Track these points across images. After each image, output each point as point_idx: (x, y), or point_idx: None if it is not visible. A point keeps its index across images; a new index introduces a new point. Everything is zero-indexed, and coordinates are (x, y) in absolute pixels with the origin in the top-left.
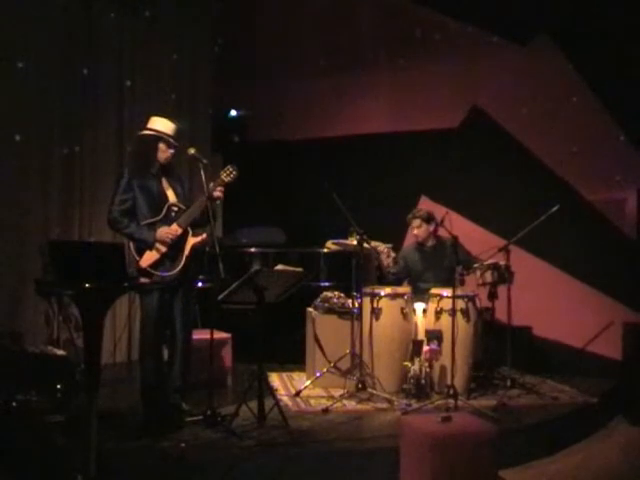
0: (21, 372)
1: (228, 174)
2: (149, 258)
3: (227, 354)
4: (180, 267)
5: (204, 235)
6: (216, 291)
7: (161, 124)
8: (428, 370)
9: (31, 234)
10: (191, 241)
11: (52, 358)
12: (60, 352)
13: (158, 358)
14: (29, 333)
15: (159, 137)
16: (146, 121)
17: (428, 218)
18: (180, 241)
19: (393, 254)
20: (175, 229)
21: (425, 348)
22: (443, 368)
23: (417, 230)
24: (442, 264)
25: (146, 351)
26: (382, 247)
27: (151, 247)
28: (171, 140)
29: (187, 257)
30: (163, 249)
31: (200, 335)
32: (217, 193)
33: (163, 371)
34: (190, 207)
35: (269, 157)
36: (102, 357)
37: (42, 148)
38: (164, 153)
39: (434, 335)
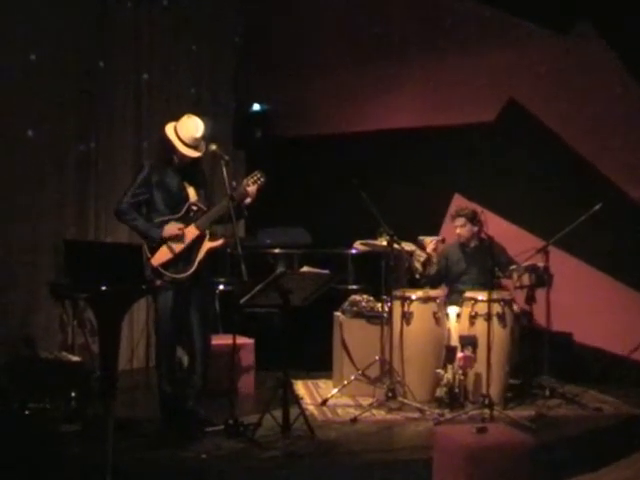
0: (34, 379)
1: (255, 181)
2: (161, 257)
3: (250, 360)
4: (192, 271)
5: (221, 240)
6: (238, 294)
7: (183, 129)
8: (462, 378)
9: (45, 234)
10: (207, 245)
11: (66, 364)
12: (75, 358)
13: (173, 362)
14: (42, 338)
15: (174, 146)
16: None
17: (473, 217)
18: (196, 244)
19: (434, 255)
20: (192, 231)
21: (459, 355)
22: (478, 376)
23: (460, 229)
24: (483, 266)
25: (160, 355)
26: (428, 240)
27: (159, 244)
28: (183, 151)
29: (200, 261)
30: (176, 249)
31: (221, 340)
32: (249, 200)
33: (179, 376)
34: (211, 209)
35: (294, 153)
36: (119, 363)
37: (56, 145)
38: (177, 157)
39: (468, 341)
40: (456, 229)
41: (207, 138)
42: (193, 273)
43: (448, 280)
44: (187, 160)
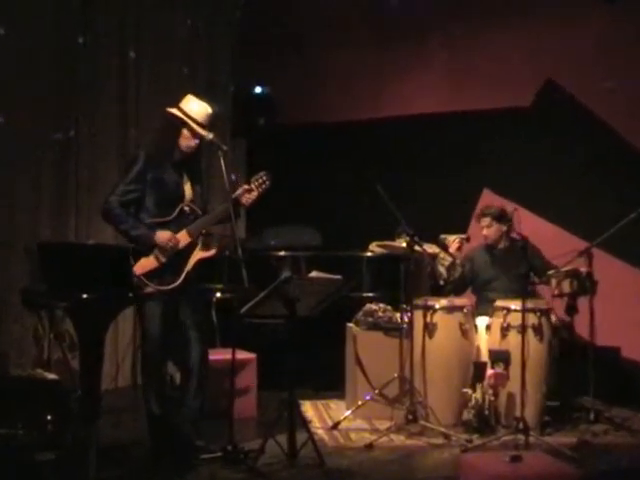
0: (4, 400)
1: (260, 184)
2: (146, 265)
3: (251, 378)
4: (178, 283)
5: (213, 250)
6: (238, 303)
7: (192, 106)
8: (492, 399)
9: (17, 234)
10: (197, 255)
11: (41, 383)
12: (51, 376)
13: (162, 380)
14: (14, 353)
15: (185, 122)
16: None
17: (500, 216)
18: (185, 251)
19: (459, 256)
20: (183, 237)
21: (489, 372)
22: (511, 396)
23: (487, 230)
24: (515, 271)
25: (148, 373)
26: (452, 238)
27: (147, 251)
28: (197, 129)
29: (188, 272)
30: (162, 259)
31: (219, 355)
32: (247, 200)
33: (170, 396)
34: (207, 214)
35: (301, 143)
36: (102, 382)
37: (30, 133)
38: (186, 141)
39: (500, 356)
40: (482, 230)
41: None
42: (180, 285)
43: (475, 287)
44: (192, 149)
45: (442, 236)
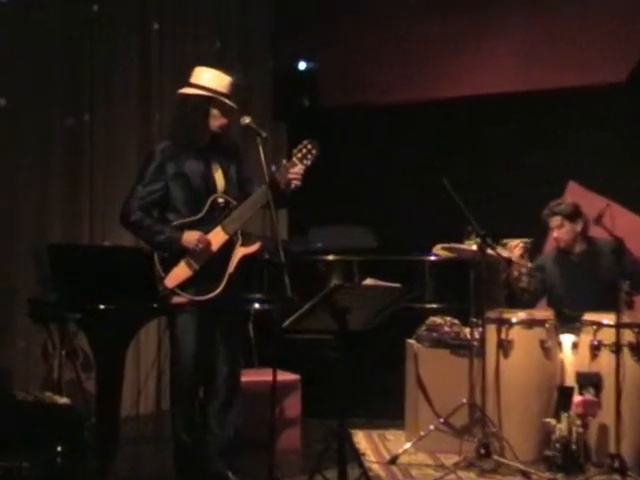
0: (7, 428)
1: (304, 155)
2: (178, 275)
3: (295, 403)
4: (220, 289)
5: (258, 244)
6: (280, 316)
7: (212, 78)
8: (581, 431)
9: (23, 235)
10: (239, 253)
11: (51, 408)
12: (62, 400)
13: (193, 406)
14: (19, 373)
15: (210, 98)
16: (186, 75)
17: (573, 214)
18: (223, 252)
19: (527, 263)
20: (217, 236)
21: (576, 399)
22: (603, 428)
23: (557, 231)
24: (596, 278)
25: (178, 399)
26: (513, 243)
27: (177, 257)
28: (227, 102)
29: (231, 275)
30: (196, 265)
31: (257, 376)
32: (292, 175)
33: (201, 426)
34: (243, 203)
35: (352, 128)
36: (122, 407)
37: (37, 117)
38: (218, 120)
39: (589, 380)
40: (552, 232)
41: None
42: (222, 292)
43: (549, 300)
44: (226, 129)
45: (503, 241)
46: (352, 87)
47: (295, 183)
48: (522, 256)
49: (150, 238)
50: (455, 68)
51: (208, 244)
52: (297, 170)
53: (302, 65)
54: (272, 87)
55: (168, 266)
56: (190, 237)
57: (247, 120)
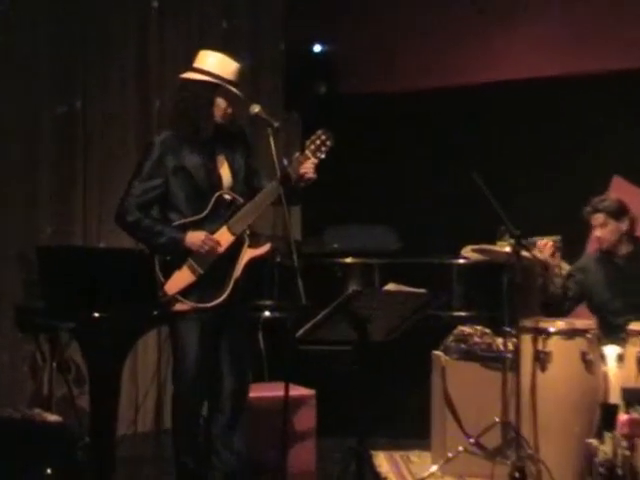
0: None
1: (318, 146)
2: (180, 280)
3: (309, 421)
4: (225, 295)
5: (267, 245)
6: (293, 324)
7: (218, 63)
8: (627, 453)
9: (7, 238)
10: (247, 255)
11: (40, 427)
12: (53, 417)
13: (197, 425)
14: (5, 388)
15: (215, 85)
16: (189, 58)
17: (618, 212)
18: (229, 254)
19: (562, 263)
20: (223, 237)
21: (622, 417)
22: None
23: (600, 231)
24: None
25: (180, 417)
26: (543, 241)
27: (179, 261)
28: (234, 90)
29: (237, 280)
30: (200, 269)
31: (268, 391)
32: (305, 170)
33: (206, 446)
34: (251, 200)
35: (373, 118)
36: (118, 425)
37: (22, 105)
38: (222, 110)
39: (637, 397)
40: (594, 230)
41: (245, 94)
42: (227, 298)
43: (590, 307)
44: (230, 119)
45: (531, 239)
46: (373, 72)
47: (308, 177)
48: (553, 255)
49: (150, 240)
50: (487, 51)
51: (215, 245)
52: (310, 163)
53: (317, 48)
54: (284, 72)
55: (169, 270)
56: (194, 238)
57: (256, 109)
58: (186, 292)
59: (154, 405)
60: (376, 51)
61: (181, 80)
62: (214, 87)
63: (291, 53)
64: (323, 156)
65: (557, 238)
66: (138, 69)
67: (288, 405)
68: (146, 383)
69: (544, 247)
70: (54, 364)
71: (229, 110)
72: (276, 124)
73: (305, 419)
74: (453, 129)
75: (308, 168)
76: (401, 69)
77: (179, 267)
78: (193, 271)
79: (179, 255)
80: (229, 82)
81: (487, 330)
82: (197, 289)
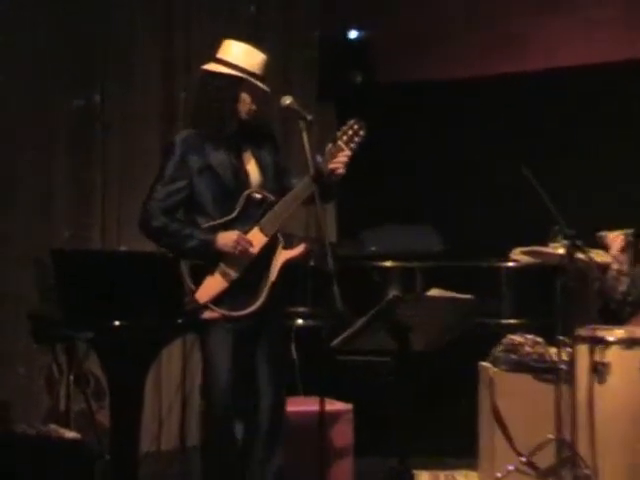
0: (5, 469)
1: (350, 137)
2: (211, 287)
3: (347, 437)
4: (260, 302)
5: (302, 246)
6: (328, 333)
7: (243, 55)
8: None
9: (22, 240)
10: (282, 257)
11: (57, 444)
12: (70, 434)
13: (230, 443)
14: (19, 403)
15: (240, 79)
16: (214, 49)
17: None
18: (263, 257)
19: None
20: (255, 238)
21: None
22: None
23: None
24: None
25: (211, 432)
26: (612, 235)
27: (211, 266)
28: (260, 85)
29: (273, 284)
30: (233, 274)
31: (302, 406)
32: (335, 164)
33: (240, 466)
34: (283, 199)
35: (414, 109)
36: (141, 442)
37: (39, 97)
38: (247, 106)
39: None
40: None
41: (275, 85)
42: (262, 305)
43: None
44: (255, 115)
45: (601, 233)
46: (412, 59)
47: (338, 173)
48: (623, 250)
49: (179, 245)
50: (540, 34)
51: (248, 245)
52: (343, 157)
53: (353, 34)
54: (318, 60)
55: (199, 277)
56: (226, 238)
57: (288, 101)
58: (219, 300)
59: (179, 420)
60: (415, 37)
61: (203, 72)
62: (238, 81)
63: (325, 40)
64: (356, 147)
65: (629, 232)
66: (161, 57)
67: (323, 421)
68: (170, 396)
69: (614, 240)
70: (71, 377)
71: (253, 107)
72: (309, 117)
73: (342, 436)
74: (501, 119)
75: (339, 163)
76: (442, 56)
77: (210, 273)
78: (225, 276)
79: (210, 259)
80: (255, 76)
81: (539, 339)
82: (229, 296)
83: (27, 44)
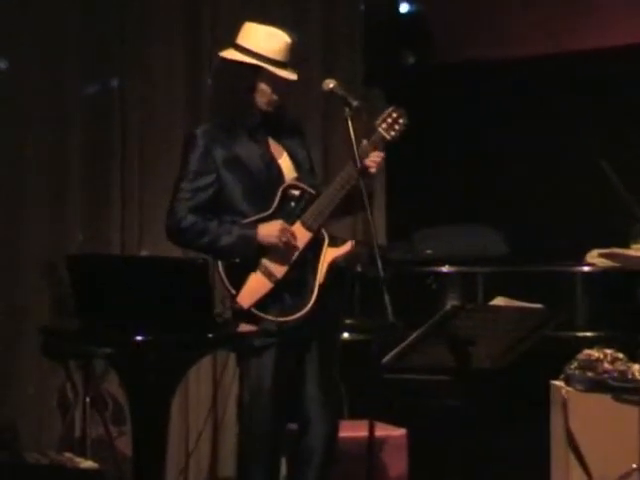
0: None
1: (390, 125)
2: (254, 289)
3: (400, 465)
4: (309, 305)
5: (349, 243)
6: (378, 348)
7: (261, 39)
8: None
9: (33, 245)
10: (329, 255)
11: (72, 474)
12: (87, 463)
13: (273, 474)
14: (29, 428)
15: (257, 67)
16: (235, 31)
17: None
18: (308, 255)
19: None
20: (299, 233)
21: None
22: None
23: None
24: None
25: (249, 466)
26: None
27: (252, 265)
28: (280, 72)
29: (321, 285)
30: (278, 273)
31: (349, 431)
32: (371, 161)
33: None
34: (324, 192)
35: (468, 93)
36: (166, 475)
37: (50, 83)
38: (266, 96)
39: None
40: None
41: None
42: (312, 309)
43: None
44: (276, 105)
45: None
46: (470, 38)
47: (370, 172)
48: None
49: (215, 243)
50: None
51: (293, 237)
52: (376, 157)
53: (404, 8)
54: (364, 39)
55: (238, 278)
56: (269, 230)
57: (331, 84)
58: (263, 304)
59: (209, 449)
60: (472, 13)
61: (220, 59)
62: (255, 69)
63: (372, 15)
64: (397, 135)
65: None
66: (186, 39)
67: (373, 447)
68: (199, 422)
69: None
70: (87, 398)
71: (274, 97)
72: (355, 103)
73: (395, 464)
74: (573, 104)
75: (373, 162)
76: (504, 34)
77: (252, 272)
78: (269, 276)
79: (251, 256)
80: (275, 63)
81: (620, 355)
82: (274, 299)
83: (38, 21)
